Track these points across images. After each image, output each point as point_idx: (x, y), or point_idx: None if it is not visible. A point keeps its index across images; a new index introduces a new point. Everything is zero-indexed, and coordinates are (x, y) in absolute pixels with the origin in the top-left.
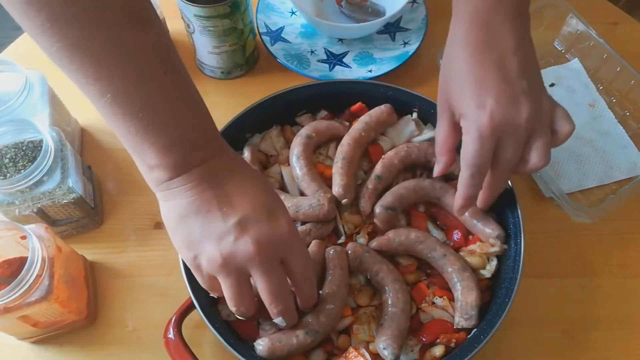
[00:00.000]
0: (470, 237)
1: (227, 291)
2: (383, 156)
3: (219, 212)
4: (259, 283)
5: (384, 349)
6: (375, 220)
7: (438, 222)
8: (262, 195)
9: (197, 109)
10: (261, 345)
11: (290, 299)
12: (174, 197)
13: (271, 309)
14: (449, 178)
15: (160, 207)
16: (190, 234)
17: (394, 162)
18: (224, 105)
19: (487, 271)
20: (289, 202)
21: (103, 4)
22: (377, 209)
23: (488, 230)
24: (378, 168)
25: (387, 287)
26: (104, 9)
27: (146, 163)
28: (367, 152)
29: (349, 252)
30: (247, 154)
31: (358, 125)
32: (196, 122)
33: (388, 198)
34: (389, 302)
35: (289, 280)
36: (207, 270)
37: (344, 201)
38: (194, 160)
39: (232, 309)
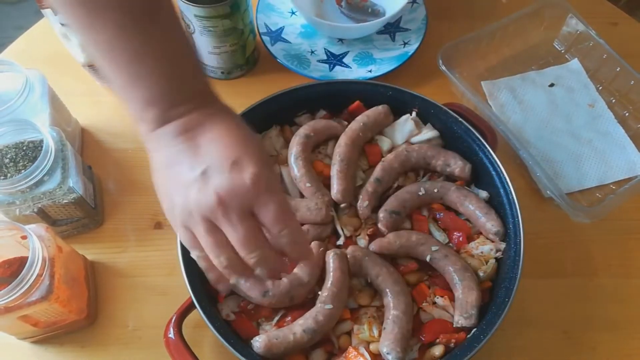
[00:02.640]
0: (475, 235)
1: (202, 241)
2: (383, 159)
3: (188, 164)
4: (228, 234)
5: (387, 353)
6: (379, 225)
7: (440, 224)
8: (233, 147)
9: (183, 65)
10: (258, 341)
11: (265, 248)
12: (155, 149)
13: (247, 259)
14: (450, 178)
15: (150, 161)
16: (165, 185)
17: (393, 165)
18: None
19: (482, 271)
20: None
21: None
22: (382, 214)
23: (489, 225)
24: (378, 171)
25: (387, 290)
26: None
27: (132, 115)
28: (363, 151)
29: (349, 257)
30: None
31: (355, 125)
32: (179, 79)
33: (392, 202)
34: (391, 305)
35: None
36: (181, 221)
37: (342, 205)
38: (171, 116)
39: (215, 261)
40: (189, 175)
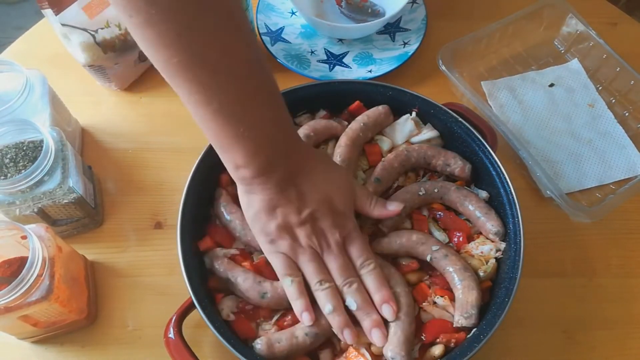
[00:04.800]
0: (475, 235)
1: (306, 267)
2: (383, 159)
3: (295, 207)
4: (330, 263)
5: (392, 358)
6: (380, 226)
7: (440, 224)
8: (329, 193)
9: (284, 118)
10: (259, 344)
11: (358, 278)
12: (256, 192)
13: (342, 286)
14: (450, 178)
15: (240, 197)
16: (268, 224)
17: (393, 165)
18: None
19: (482, 271)
20: None
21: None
22: None
23: (489, 226)
24: (378, 171)
25: None
26: (221, 29)
27: (233, 162)
28: (363, 151)
29: None
30: None
31: (355, 125)
32: (282, 131)
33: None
34: None
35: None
36: (287, 253)
37: None
38: (276, 163)
39: (314, 280)
40: (297, 218)
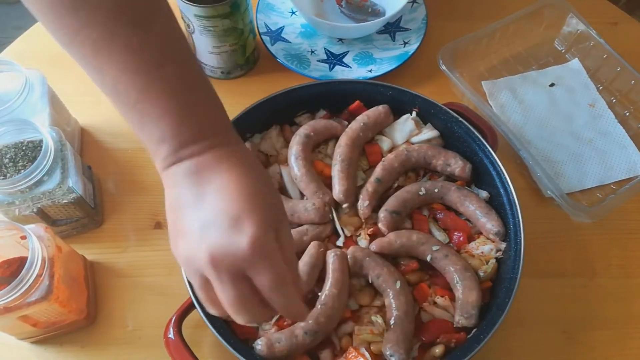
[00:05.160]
0: (475, 235)
1: (197, 290)
2: (383, 159)
3: (191, 213)
4: (217, 293)
5: (390, 355)
6: (380, 225)
7: (440, 224)
8: (237, 201)
9: (195, 103)
10: (260, 345)
11: (255, 310)
12: (167, 186)
13: (236, 318)
14: (450, 178)
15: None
16: (171, 225)
17: (394, 165)
18: (224, 105)
19: (483, 271)
20: (285, 205)
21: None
22: (382, 214)
23: (489, 226)
24: (378, 171)
25: (389, 290)
26: (100, 4)
27: (148, 151)
28: (363, 151)
29: (349, 257)
30: None
31: (355, 125)
32: (190, 117)
33: (392, 202)
34: (392, 306)
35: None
36: (181, 263)
37: (344, 205)
38: (182, 156)
39: (210, 310)
40: (189, 225)
